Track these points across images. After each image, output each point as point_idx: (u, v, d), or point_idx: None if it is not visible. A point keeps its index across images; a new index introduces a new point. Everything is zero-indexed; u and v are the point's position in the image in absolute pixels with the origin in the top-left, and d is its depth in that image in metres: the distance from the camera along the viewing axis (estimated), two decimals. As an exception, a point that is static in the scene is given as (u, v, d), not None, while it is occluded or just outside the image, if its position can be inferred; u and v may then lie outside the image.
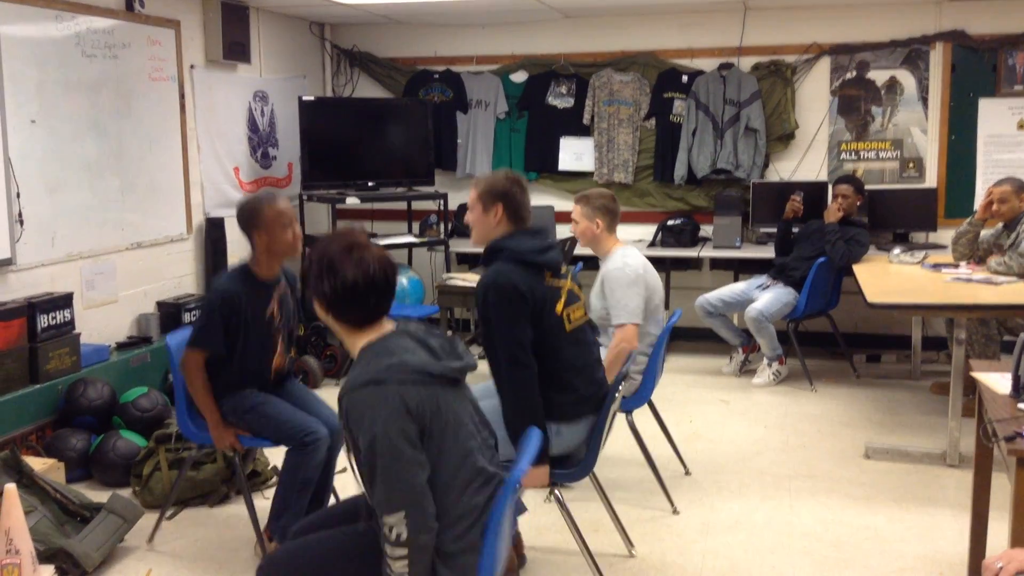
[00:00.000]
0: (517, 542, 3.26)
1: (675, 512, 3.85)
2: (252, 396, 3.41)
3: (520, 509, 3.01)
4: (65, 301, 4.52)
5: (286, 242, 3.35)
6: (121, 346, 5.01)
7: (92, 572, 3.34)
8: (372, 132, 6.67)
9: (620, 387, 3.12)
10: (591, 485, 3.43)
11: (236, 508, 3.90)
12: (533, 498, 3.67)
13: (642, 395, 4.00)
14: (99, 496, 3.81)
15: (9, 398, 4.15)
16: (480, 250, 3.18)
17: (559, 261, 3.12)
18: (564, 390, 3.05)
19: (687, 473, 4.29)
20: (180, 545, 3.63)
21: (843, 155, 6.54)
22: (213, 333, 3.32)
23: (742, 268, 6.51)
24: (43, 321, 4.36)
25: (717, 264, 6.72)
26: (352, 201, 6.26)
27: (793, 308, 5.77)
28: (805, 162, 6.60)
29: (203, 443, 3.54)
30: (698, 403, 5.43)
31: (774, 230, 6.17)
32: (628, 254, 3.97)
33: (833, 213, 5.77)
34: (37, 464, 3.89)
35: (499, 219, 3.07)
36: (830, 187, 6.20)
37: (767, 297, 5.76)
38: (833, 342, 6.18)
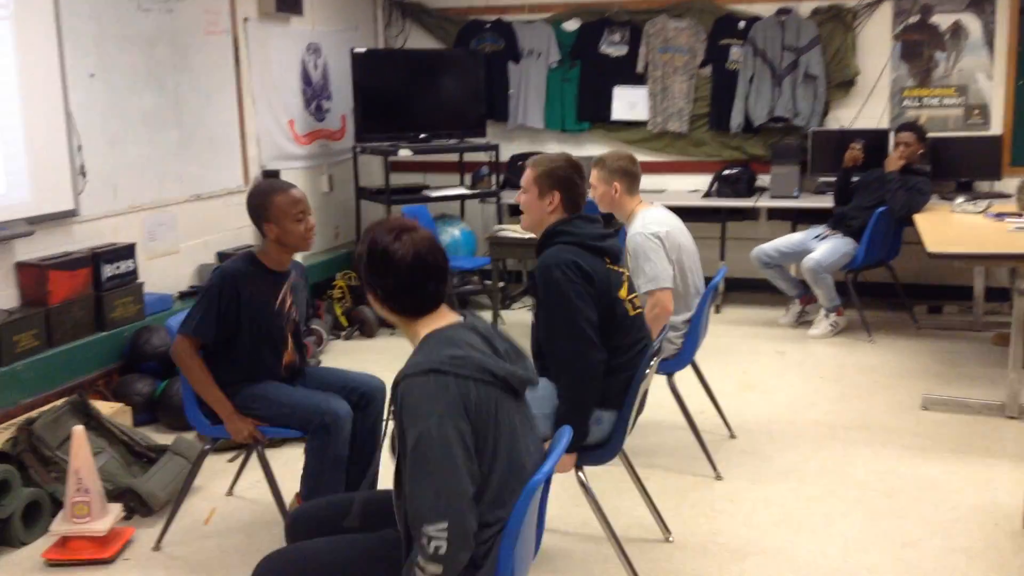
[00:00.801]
0: None
1: (718, 478, 3.71)
2: (262, 385, 3.18)
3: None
4: (128, 251, 4.63)
5: (298, 234, 3.13)
6: (183, 295, 5.13)
7: (158, 511, 3.46)
8: (424, 84, 6.66)
9: (651, 365, 2.95)
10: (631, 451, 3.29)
11: (296, 450, 3.96)
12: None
13: (683, 357, 3.85)
14: (164, 439, 3.95)
15: (77, 345, 4.28)
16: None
17: (619, 249, 2.99)
18: (614, 374, 2.88)
19: (732, 436, 4.14)
20: (241, 487, 3.73)
21: (905, 102, 6.37)
22: (203, 319, 3.08)
23: (800, 218, 6.40)
24: (107, 271, 4.48)
25: (774, 214, 6.62)
26: (404, 153, 6.28)
27: (852, 258, 5.68)
28: (866, 109, 6.44)
29: (218, 437, 3.26)
30: (753, 354, 5.40)
31: (833, 179, 6.05)
32: (648, 216, 3.79)
33: (894, 162, 5.65)
34: (105, 408, 4.03)
35: (554, 207, 2.93)
36: (891, 135, 6.04)
37: (825, 247, 5.67)
38: (893, 293, 6.07)
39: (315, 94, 6.51)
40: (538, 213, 2.97)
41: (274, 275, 3.22)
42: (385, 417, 2.90)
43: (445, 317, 2.10)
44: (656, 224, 3.76)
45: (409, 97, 6.60)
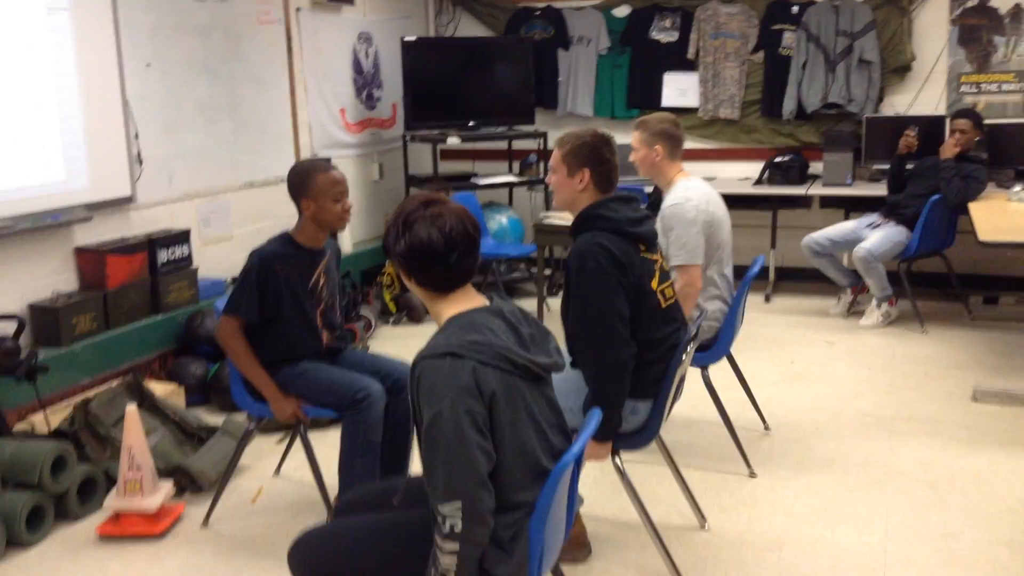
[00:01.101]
0: (580, 530, 3.06)
1: (752, 475, 3.61)
2: (302, 364, 3.24)
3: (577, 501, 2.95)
4: (183, 237, 4.76)
5: (334, 213, 3.19)
6: (236, 281, 5.24)
7: (208, 488, 3.56)
8: (474, 71, 6.70)
9: (688, 348, 2.91)
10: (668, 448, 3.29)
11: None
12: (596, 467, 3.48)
13: (718, 349, 3.74)
14: (216, 419, 4.05)
15: (133, 328, 4.42)
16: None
17: (654, 234, 2.93)
18: (648, 367, 2.84)
19: (767, 430, 4.05)
20: (288, 467, 3.82)
21: (963, 88, 6.22)
22: (247, 299, 3.15)
23: (853, 206, 6.31)
24: (163, 256, 4.60)
25: (827, 202, 6.53)
26: (453, 141, 6.33)
27: (905, 248, 5.59)
28: (922, 96, 6.32)
29: (261, 415, 3.31)
30: (801, 344, 5.35)
31: (887, 167, 5.95)
32: (690, 187, 3.66)
33: (949, 149, 5.53)
34: (160, 389, 4.16)
35: (585, 184, 2.85)
36: (948, 122, 5.92)
37: (877, 236, 5.59)
38: (948, 283, 5.96)
39: (366, 82, 6.59)
40: (570, 192, 2.89)
41: (310, 254, 3.28)
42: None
43: (472, 299, 2.09)
44: (696, 196, 3.63)
45: (459, 85, 6.64)
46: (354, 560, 2.12)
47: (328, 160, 5.97)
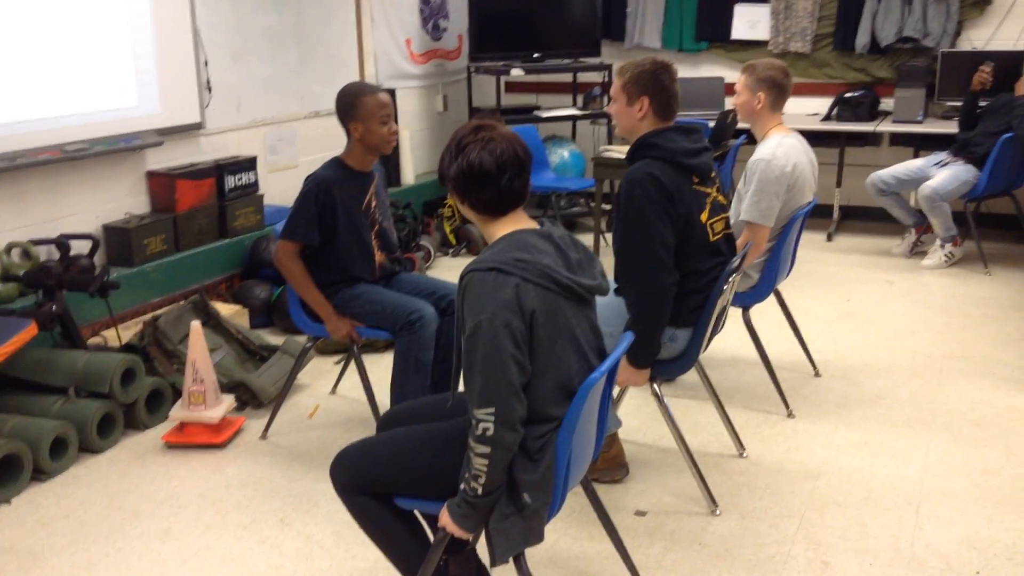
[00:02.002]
0: (618, 452, 3.17)
1: (790, 416, 3.60)
2: (358, 287, 3.35)
3: (614, 423, 3.03)
4: (250, 164, 4.90)
5: (381, 136, 3.28)
6: (300, 208, 5.39)
7: (267, 404, 3.74)
8: (540, 2, 6.66)
9: (730, 280, 2.92)
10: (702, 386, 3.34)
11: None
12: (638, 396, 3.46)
13: (762, 289, 3.65)
14: (278, 340, 4.23)
15: (201, 250, 4.61)
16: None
17: (710, 166, 2.92)
18: (689, 296, 2.87)
19: (816, 373, 4.01)
20: (344, 386, 3.98)
21: (1046, 21, 5.99)
22: (306, 223, 3.24)
23: (924, 144, 6.15)
24: (230, 182, 4.76)
25: (897, 140, 6.39)
26: (516, 73, 6.33)
27: (972, 187, 5.46)
28: (1002, 30, 6.09)
29: (317, 335, 3.43)
30: (859, 283, 5.30)
31: (960, 104, 5.78)
32: (783, 144, 3.53)
33: (1025, 85, 5.36)
34: (225, 309, 4.34)
35: (645, 112, 2.87)
36: (1027, 57, 5.72)
37: (944, 175, 5.47)
38: (1018, 225, 5.82)
39: (432, 13, 6.61)
40: (629, 121, 2.92)
41: (361, 177, 3.38)
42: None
43: (523, 222, 2.17)
44: (787, 158, 3.51)
45: (525, 16, 6.61)
46: (390, 468, 2.24)
47: (392, 92, 6.05)
